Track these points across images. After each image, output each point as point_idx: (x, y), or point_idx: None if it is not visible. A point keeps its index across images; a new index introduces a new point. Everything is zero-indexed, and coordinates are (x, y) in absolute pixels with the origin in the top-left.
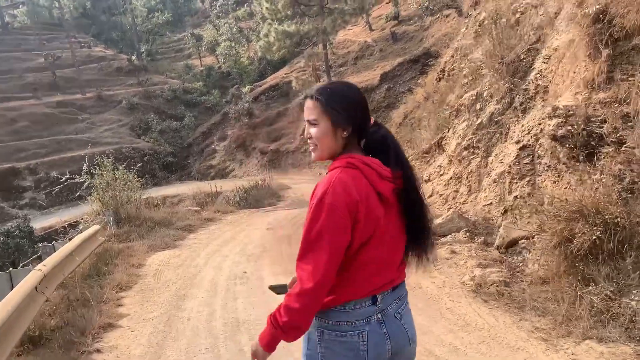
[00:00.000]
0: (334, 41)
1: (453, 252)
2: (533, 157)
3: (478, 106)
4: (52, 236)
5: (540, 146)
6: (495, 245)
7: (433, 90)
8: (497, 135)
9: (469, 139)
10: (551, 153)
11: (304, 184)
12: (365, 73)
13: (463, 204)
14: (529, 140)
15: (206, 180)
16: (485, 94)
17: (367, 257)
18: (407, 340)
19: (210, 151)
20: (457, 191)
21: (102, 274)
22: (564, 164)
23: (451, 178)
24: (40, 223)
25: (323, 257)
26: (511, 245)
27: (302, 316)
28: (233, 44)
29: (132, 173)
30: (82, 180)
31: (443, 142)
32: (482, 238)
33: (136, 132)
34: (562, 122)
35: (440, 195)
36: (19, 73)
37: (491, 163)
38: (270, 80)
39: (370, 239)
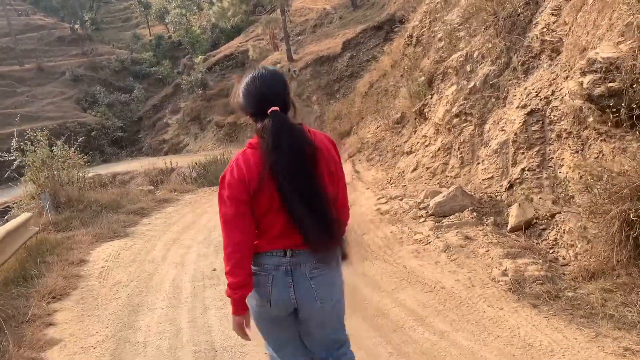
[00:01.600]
0: (290, 9)
1: (467, 237)
2: (543, 123)
3: (468, 68)
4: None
5: (552, 110)
6: (509, 226)
7: (400, 57)
8: (494, 100)
9: (460, 105)
10: (573, 117)
11: None
12: (326, 41)
13: (454, 177)
14: (537, 104)
15: (159, 156)
16: (475, 55)
17: (270, 219)
18: (313, 298)
19: (163, 125)
20: (446, 164)
21: (30, 278)
22: (594, 129)
23: (439, 149)
24: None
25: (229, 228)
26: (527, 226)
27: (234, 275)
28: (184, 11)
29: (73, 149)
30: (11, 158)
31: (426, 110)
32: (492, 218)
33: (82, 106)
34: (599, 78)
35: (427, 168)
36: None
37: (488, 131)
38: (225, 49)
39: (267, 207)
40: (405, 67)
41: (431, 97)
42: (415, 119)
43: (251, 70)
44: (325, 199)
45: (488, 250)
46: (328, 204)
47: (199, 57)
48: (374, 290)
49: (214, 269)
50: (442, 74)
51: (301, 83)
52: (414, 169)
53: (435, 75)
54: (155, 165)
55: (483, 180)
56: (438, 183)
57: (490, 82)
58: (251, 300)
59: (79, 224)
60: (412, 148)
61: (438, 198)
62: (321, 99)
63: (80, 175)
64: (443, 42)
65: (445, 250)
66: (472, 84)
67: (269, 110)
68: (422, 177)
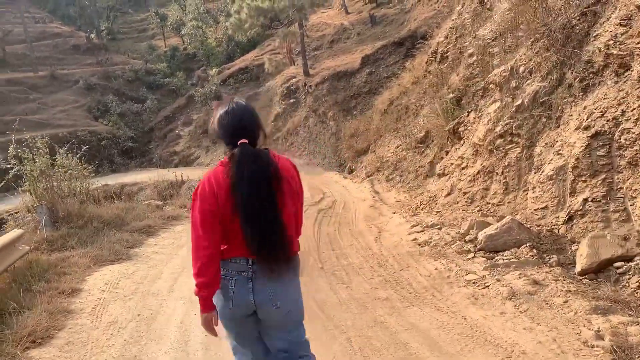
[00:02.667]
0: (308, 23)
1: (535, 281)
2: (610, 147)
3: (513, 84)
4: None
5: (623, 133)
6: (578, 268)
7: (423, 74)
8: (544, 120)
9: (505, 125)
10: None
11: None
12: (343, 57)
13: (497, 205)
14: (603, 125)
15: (169, 167)
16: (521, 70)
17: (234, 230)
18: (270, 303)
19: (174, 136)
20: (486, 189)
21: (8, 313)
22: None
23: (478, 172)
24: None
25: (197, 233)
26: (600, 269)
27: (201, 275)
28: (200, 24)
29: (75, 158)
30: (7, 166)
31: (461, 129)
32: (555, 257)
33: (93, 115)
34: None
35: (464, 193)
36: None
37: (539, 155)
38: (239, 62)
39: (231, 219)
40: (430, 84)
41: (467, 115)
42: (448, 138)
43: (225, 104)
44: (276, 220)
45: (567, 301)
46: (279, 224)
47: (214, 69)
48: (433, 351)
49: None
50: (482, 89)
51: (317, 98)
52: (448, 193)
53: (466, 92)
54: (165, 177)
55: (535, 210)
56: (478, 210)
57: (541, 100)
58: (217, 301)
59: (77, 243)
60: (445, 170)
61: (489, 230)
62: (337, 115)
63: (83, 186)
64: (474, 57)
65: (510, 298)
66: (518, 102)
67: (239, 142)
68: (458, 202)
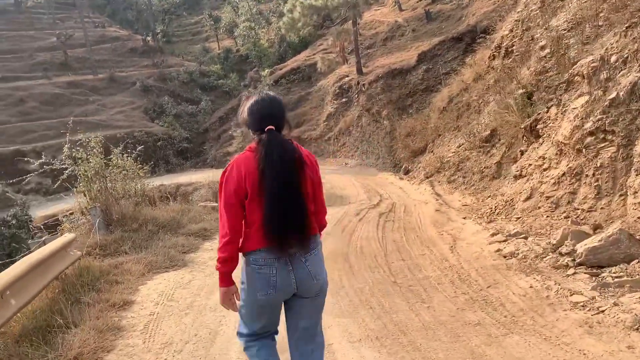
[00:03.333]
0: (360, 21)
1: None
2: None
3: (603, 75)
4: (54, 225)
5: None
6: None
7: (486, 69)
8: None
9: (596, 121)
10: None
11: (330, 175)
12: (398, 54)
13: (588, 211)
14: None
15: (223, 168)
16: (613, 59)
17: (252, 219)
18: (310, 277)
19: (228, 137)
20: (574, 193)
21: (54, 330)
22: None
23: (564, 174)
24: (44, 210)
25: (225, 216)
26: None
27: (222, 251)
28: (252, 25)
29: (131, 158)
30: (63, 166)
31: (539, 126)
32: None
33: (150, 116)
34: None
35: (547, 197)
36: (30, 52)
37: None
38: (291, 63)
39: (257, 204)
40: (495, 80)
41: (547, 111)
42: (523, 137)
43: (255, 95)
44: (303, 198)
45: None
46: (302, 205)
47: (266, 70)
48: None
49: None
50: (566, 82)
51: (370, 97)
52: (528, 197)
53: (539, 87)
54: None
55: (639, 218)
56: (565, 217)
57: (639, 93)
58: (250, 294)
59: (131, 248)
60: (522, 171)
61: (590, 242)
62: (392, 114)
63: (138, 187)
64: (547, 50)
65: (637, 328)
66: (612, 95)
67: (266, 128)
68: (539, 207)
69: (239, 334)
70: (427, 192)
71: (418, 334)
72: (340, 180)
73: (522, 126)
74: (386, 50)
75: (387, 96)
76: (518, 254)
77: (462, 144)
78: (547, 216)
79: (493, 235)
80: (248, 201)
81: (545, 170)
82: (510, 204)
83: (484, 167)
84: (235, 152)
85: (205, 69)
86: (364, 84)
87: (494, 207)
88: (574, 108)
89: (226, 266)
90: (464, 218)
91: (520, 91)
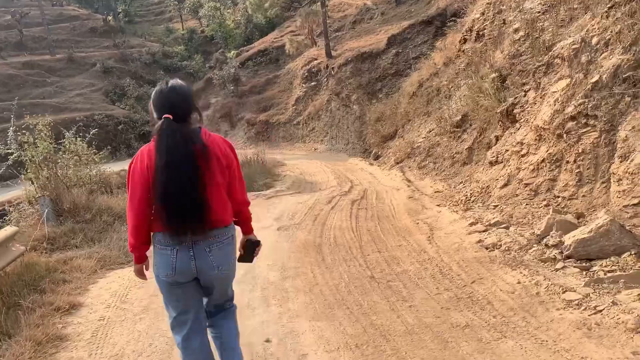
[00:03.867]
0: (329, 3)
1: None
2: None
3: (584, 58)
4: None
5: None
6: None
7: (456, 53)
8: (629, 99)
9: (578, 105)
10: None
11: (299, 160)
12: (367, 37)
13: (569, 199)
14: None
15: None
16: (594, 41)
17: (156, 206)
18: (212, 266)
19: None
20: (553, 180)
21: None
22: None
23: (543, 161)
24: None
25: (130, 206)
26: None
27: (131, 237)
28: (218, 4)
29: (84, 142)
30: (8, 151)
31: (516, 111)
32: None
33: (110, 98)
34: None
35: (526, 184)
36: None
37: (625, 140)
38: (258, 45)
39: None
40: (467, 64)
41: (524, 95)
42: (499, 121)
43: (159, 84)
44: (198, 190)
45: None
46: (201, 193)
47: (232, 52)
48: None
49: (268, 340)
50: (545, 65)
51: (340, 81)
52: (505, 184)
53: (512, 71)
54: None
55: (625, 207)
56: (545, 205)
57: (624, 76)
58: (158, 271)
59: (83, 241)
60: (498, 157)
61: (579, 234)
62: (361, 98)
63: (93, 174)
64: (521, 33)
65: None
66: (594, 78)
67: (163, 116)
68: (517, 195)
69: (169, 320)
70: (398, 178)
71: (402, 339)
72: (310, 166)
73: (498, 110)
74: (355, 33)
75: (356, 80)
76: (500, 245)
77: (433, 129)
78: (527, 204)
79: (472, 224)
80: (153, 187)
81: (523, 156)
82: (486, 191)
83: (455, 153)
84: None
85: (168, 50)
86: (333, 68)
87: (469, 194)
88: (554, 92)
89: (138, 251)
90: (438, 205)
91: (493, 75)
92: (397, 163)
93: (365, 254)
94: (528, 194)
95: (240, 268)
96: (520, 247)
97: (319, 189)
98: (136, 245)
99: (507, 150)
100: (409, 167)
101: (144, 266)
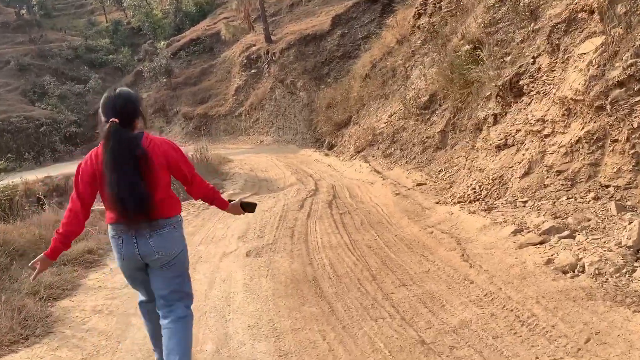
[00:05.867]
0: None
1: None
2: None
3: (621, 8)
4: None
5: None
6: None
7: (410, 30)
8: None
9: (628, 67)
10: None
11: (245, 154)
12: (308, 20)
13: (627, 188)
14: None
15: None
16: None
17: (107, 202)
18: (152, 251)
19: (137, 126)
20: (596, 164)
21: None
22: None
23: (579, 141)
24: None
25: (75, 196)
26: None
27: (61, 227)
28: None
29: None
30: None
31: (523, 81)
32: None
33: (29, 98)
34: None
35: (558, 172)
36: None
37: None
38: (190, 33)
39: (102, 193)
40: (423, 40)
41: (533, 62)
42: (498, 96)
43: (107, 91)
44: (141, 187)
45: None
46: (144, 190)
47: (162, 42)
48: None
49: None
50: (565, 21)
51: (283, 67)
52: (526, 173)
53: (488, 41)
54: None
55: None
56: (594, 198)
57: None
58: (116, 258)
59: None
60: (507, 140)
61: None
62: (308, 84)
63: None
64: None
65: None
66: None
67: (110, 120)
68: (548, 186)
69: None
70: (364, 169)
71: None
72: (260, 161)
73: (497, 84)
74: (294, 16)
75: (301, 65)
76: (584, 267)
77: (395, 113)
78: (568, 198)
79: (516, 232)
80: (102, 185)
81: (547, 136)
82: (500, 182)
83: (426, 138)
84: None
85: (92, 44)
86: (274, 53)
87: (476, 186)
88: (583, 54)
89: (59, 243)
90: (438, 203)
91: (467, 47)
92: (358, 152)
93: (387, 291)
94: (563, 184)
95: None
96: (617, 269)
97: (278, 187)
98: (57, 246)
99: (518, 131)
100: (373, 156)
101: (47, 265)
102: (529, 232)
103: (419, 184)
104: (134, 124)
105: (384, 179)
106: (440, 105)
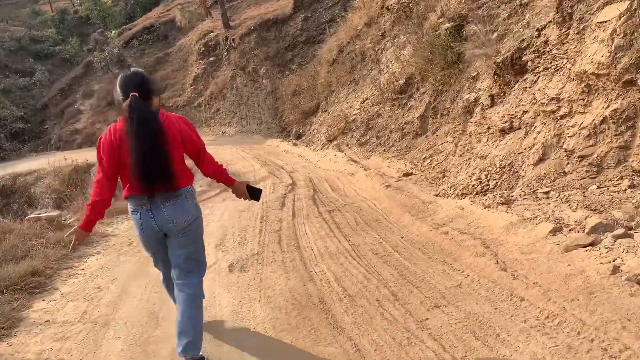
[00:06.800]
0: None
1: None
2: None
3: None
4: None
5: None
6: None
7: (378, 12)
8: None
9: None
10: None
11: (208, 147)
12: (268, 4)
13: None
14: None
15: (71, 149)
16: None
17: (125, 175)
18: (167, 220)
19: (74, 112)
20: (626, 147)
21: None
22: None
23: (604, 121)
24: None
25: (99, 169)
26: None
27: (91, 199)
28: None
29: None
30: None
31: (526, 57)
32: None
33: None
34: None
35: (581, 157)
36: None
37: None
38: (142, 21)
39: (123, 162)
40: (392, 22)
41: (538, 35)
42: (495, 75)
43: (121, 72)
44: (160, 157)
45: None
46: (166, 160)
47: (112, 31)
48: None
49: None
50: None
51: (244, 53)
52: (540, 159)
53: (472, 18)
54: (68, 160)
55: None
56: (629, 185)
57: None
58: (135, 230)
59: None
60: (513, 122)
61: None
62: (271, 71)
63: None
64: None
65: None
66: None
67: (130, 94)
68: (570, 173)
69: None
70: (340, 158)
71: None
72: (224, 154)
73: (496, 61)
74: (252, 1)
75: (263, 51)
76: None
77: (368, 98)
78: (598, 187)
79: (555, 232)
80: (123, 160)
81: (563, 117)
82: (510, 170)
83: (404, 124)
84: (84, 128)
85: (37, 34)
86: (234, 39)
87: (482, 176)
88: (603, 22)
89: (91, 215)
90: (438, 195)
91: (448, 25)
92: (330, 141)
93: (419, 316)
94: (587, 171)
95: None
96: None
97: (249, 182)
98: (90, 218)
99: (525, 112)
100: (347, 145)
101: (83, 236)
102: (570, 230)
103: (406, 174)
104: (150, 101)
105: (365, 169)
106: (417, 89)
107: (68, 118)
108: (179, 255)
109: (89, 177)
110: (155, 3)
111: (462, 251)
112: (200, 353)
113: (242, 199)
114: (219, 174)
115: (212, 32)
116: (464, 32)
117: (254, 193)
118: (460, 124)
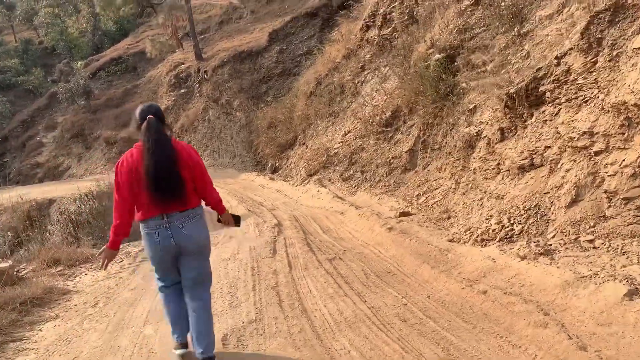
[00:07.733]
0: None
1: None
2: None
3: None
4: None
5: None
6: None
7: (357, 44)
8: None
9: None
10: None
11: None
12: (242, 36)
13: None
14: None
15: (32, 183)
16: None
17: (141, 198)
18: (186, 238)
19: (35, 145)
20: None
21: None
22: None
23: None
24: None
25: (116, 193)
26: None
27: (114, 231)
28: (56, 10)
29: None
30: None
31: (544, 88)
32: None
33: None
34: None
35: (626, 200)
36: None
37: None
38: (111, 52)
39: (138, 189)
40: (373, 54)
41: (557, 64)
42: (506, 107)
43: (139, 106)
44: (175, 173)
45: None
46: (181, 181)
47: (79, 62)
48: None
49: None
50: (610, 11)
51: (217, 85)
52: (573, 201)
53: (462, 48)
54: (28, 196)
55: None
56: None
57: None
58: (147, 250)
59: None
60: (534, 159)
61: None
62: (245, 103)
63: None
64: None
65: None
66: None
67: (147, 117)
68: (612, 217)
69: (156, 279)
70: (324, 194)
71: None
72: None
73: (510, 91)
74: (225, 34)
75: (237, 83)
76: None
77: (350, 131)
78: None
79: (632, 295)
80: (140, 183)
81: (597, 153)
82: (537, 212)
83: (391, 158)
84: (47, 162)
85: None
86: (206, 71)
87: (503, 219)
88: None
89: (117, 236)
90: (451, 241)
91: (438, 56)
92: (311, 175)
93: None
94: (636, 216)
95: None
96: None
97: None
98: (116, 234)
99: (548, 147)
100: (330, 180)
101: (112, 255)
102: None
103: (404, 214)
104: (164, 125)
105: (356, 208)
106: (405, 122)
107: (30, 150)
108: (194, 268)
109: (49, 214)
110: (124, 35)
111: (514, 319)
112: None
113: (227, 226)
114: (219, 203)
115: (183, 63)
116: (457, 63)
117: (236, 220)
118: (458, 159)
